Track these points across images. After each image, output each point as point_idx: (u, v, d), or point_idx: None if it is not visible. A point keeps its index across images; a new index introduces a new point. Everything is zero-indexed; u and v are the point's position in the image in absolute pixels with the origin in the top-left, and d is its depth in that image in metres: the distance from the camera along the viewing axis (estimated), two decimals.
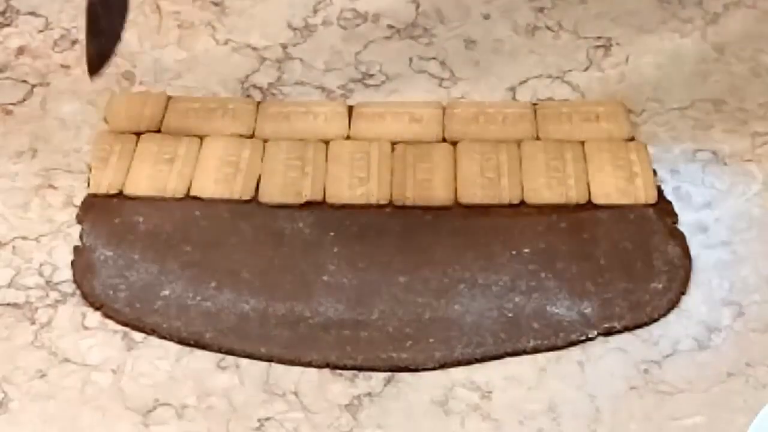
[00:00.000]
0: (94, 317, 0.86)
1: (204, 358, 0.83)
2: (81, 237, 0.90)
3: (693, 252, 0.90)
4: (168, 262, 0.89)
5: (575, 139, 0.98)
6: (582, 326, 0.85)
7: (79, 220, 0.92)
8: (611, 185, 0.94)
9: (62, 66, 1.05)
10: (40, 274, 0.88)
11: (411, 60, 1.06)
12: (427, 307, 0.86)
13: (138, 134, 0.98)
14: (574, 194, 0.93)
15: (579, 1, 1.12)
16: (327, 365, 0.83)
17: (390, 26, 1.10)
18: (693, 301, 0.87)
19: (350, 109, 1.01)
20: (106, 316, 0.85)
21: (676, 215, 0.93)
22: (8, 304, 0.86)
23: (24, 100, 1.02)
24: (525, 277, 0.88)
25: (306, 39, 1.08)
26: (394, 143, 0.97)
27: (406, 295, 0.87)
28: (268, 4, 1.12)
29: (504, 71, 1.05)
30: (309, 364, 0.83)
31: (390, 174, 0.95)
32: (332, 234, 0.91)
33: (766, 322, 0.86)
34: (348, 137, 0.98)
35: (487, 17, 1.10)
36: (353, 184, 0.94)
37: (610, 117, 0.99)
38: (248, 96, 1.03)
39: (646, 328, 0.85)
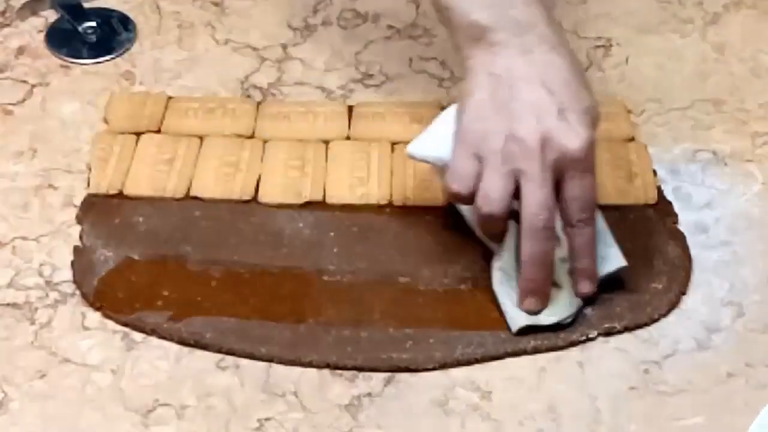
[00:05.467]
0: (94, 317, 0.85)
1: (204, 358, 0.83)
2: (81, 237, 0.90)
3: (693, 252, 0.90)
4: (168, 262, 0.89)
5: None
6: (582, 326, 0.85)
7: (79, 220, 0.92)
8: (611, 185, 0.94)
9: (62, 66, 1.05)
10: (40, 274, 0.88)
11: (411, 60, 1.06)
12: (427, 307, 0.86)
13: (138, 134, 0.98)
14: None
15: (579, 1, 1.12)
16: (327, 365, 0.83)
17: (390, 26, 1.09)
18: (693, 301, 0.87)
19: (350, 109, 1.01)
20: (106, 316, 0.85)
21: (676, 215, 0.93)
22: (8, 304, 0.86)
23: (24, 100, 1.02)
24: None
25: (306, 39, 1.08)
26: (394, 143, 0.97)
27: (406, 295, 0.87)
28: (268, 4, 1.12)
29: None
30: (309, 364, 0.83)
31: (390, 174, 0.95)
32: (332, 234, 0.91)
33: (766, 322, 0.86)
34: (348, 137, 0.98)
35: None
36: (353, 184, 0.94)
37: (610, 117, 0.99)
38: (248, 96, 1.02)
39: (646, 329, 0.85)
